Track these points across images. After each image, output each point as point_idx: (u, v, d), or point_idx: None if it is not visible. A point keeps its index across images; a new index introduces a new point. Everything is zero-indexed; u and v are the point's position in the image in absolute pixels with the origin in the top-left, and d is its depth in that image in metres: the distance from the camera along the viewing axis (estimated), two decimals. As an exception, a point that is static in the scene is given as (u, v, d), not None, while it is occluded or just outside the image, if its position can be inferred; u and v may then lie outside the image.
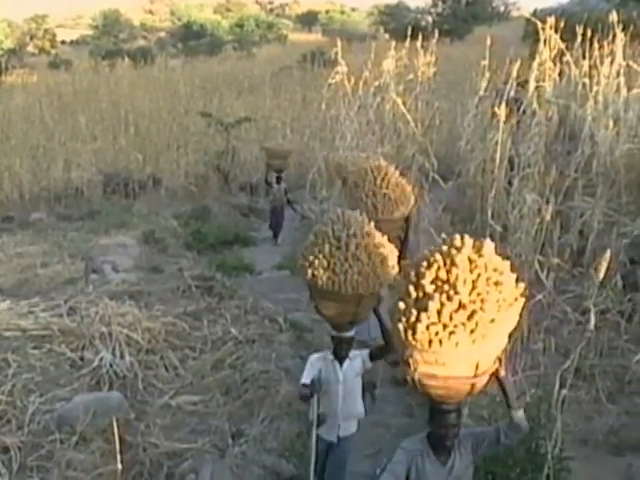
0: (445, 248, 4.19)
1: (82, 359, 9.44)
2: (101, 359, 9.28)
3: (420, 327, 4.05)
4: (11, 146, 22.89)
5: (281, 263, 15.13)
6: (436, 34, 15.21)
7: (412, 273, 4.25)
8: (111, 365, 9.20)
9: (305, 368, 6.17)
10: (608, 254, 5.35)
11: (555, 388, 6.32)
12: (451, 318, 4.00)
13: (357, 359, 6.21)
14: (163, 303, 11.49)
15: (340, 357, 6.16)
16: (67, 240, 16.18)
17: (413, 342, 4.13)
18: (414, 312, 4.09)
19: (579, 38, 14.19)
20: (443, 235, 4.35)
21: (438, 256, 4.15)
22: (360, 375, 6.29)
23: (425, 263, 4.19)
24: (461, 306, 4.01)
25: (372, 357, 6.19)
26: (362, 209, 6.94)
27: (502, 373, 4.42)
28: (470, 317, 4.00)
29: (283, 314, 11.49)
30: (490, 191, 11.46)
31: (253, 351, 10.14)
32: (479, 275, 4.07)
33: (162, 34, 75.76)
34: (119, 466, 7.18)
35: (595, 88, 13.23)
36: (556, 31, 13.55)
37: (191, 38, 60.07)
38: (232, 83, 33.05)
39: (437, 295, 4.05)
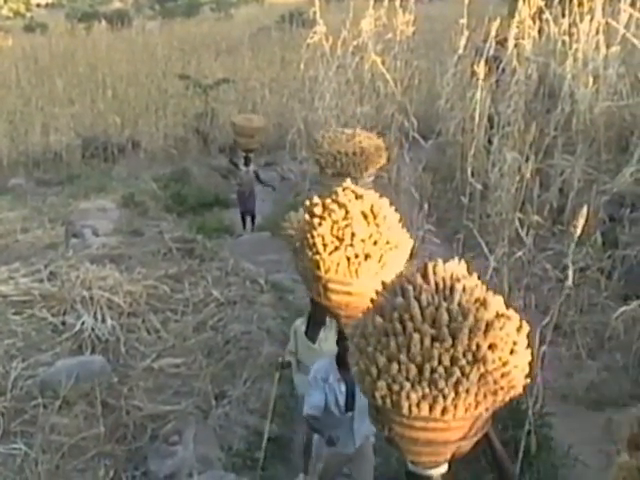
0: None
1: (64, 324, 9.46)
2: (83, 323, 9.30)
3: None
4: (-13, 112, 22.64)
5: (261, 224, 15.10)
6: (415, -8, 15.09)
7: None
8: (93, 329, 9.22)
9: None
10: (585, 211, 5.34)
11: (535, 345, 6.33)
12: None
13: None
14: (144, 266, 11.50)
15: None
16: (47, 205, 16.09)
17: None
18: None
19: (558, -5, 14.10)
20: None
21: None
22: None
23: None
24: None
25: None
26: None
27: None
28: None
29: (264, 275, 11.54)
30: (470, 150, 11.46)
31: (235, 313, 10.18)
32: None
33: (138, -4, 74.71)
34: (102, 429, 7.26)
35: (575, 46, 13.16)
36: (535, -12, 13.48)
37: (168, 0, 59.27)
38: (210, 45, 32.62)
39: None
